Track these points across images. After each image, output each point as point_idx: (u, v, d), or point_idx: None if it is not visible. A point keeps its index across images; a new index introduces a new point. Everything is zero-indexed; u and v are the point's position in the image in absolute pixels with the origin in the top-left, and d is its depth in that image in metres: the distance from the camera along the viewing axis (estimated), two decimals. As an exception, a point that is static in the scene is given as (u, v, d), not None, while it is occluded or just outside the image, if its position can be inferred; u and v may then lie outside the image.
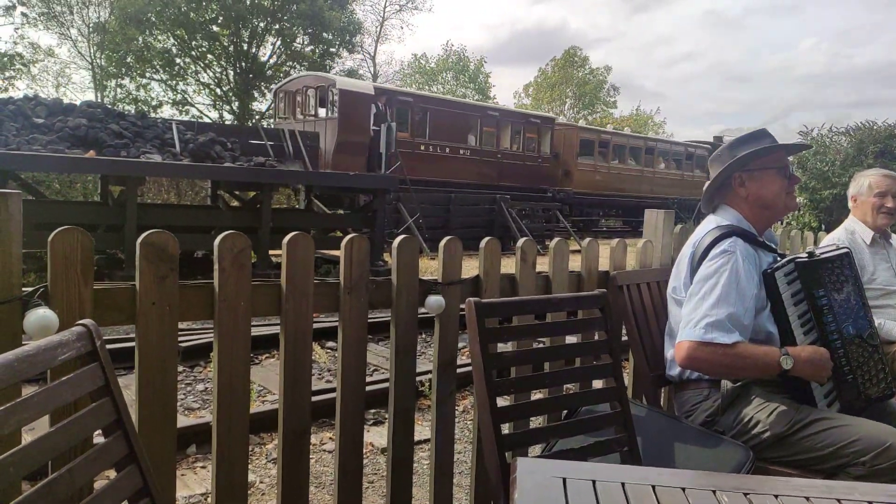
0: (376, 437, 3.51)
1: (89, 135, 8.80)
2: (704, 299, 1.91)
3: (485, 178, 16.83)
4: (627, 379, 2.68)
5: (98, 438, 1.18)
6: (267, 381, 4.50)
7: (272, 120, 18.42)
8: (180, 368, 4.81)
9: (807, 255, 2.04)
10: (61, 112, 9.31)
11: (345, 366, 1.86)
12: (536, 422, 2.38)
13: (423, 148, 16.04)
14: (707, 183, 2.23)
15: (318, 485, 3.04)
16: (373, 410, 3.88)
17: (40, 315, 1.28)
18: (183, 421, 3.58)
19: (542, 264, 2.36)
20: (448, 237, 2.05)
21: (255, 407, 3.87)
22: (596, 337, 2.23)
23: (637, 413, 2.03)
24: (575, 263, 2.46)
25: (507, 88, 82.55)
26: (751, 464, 1.82)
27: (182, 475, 3.04)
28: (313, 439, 3.54)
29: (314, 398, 3.68)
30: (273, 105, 19.02)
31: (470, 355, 1.64)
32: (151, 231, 1.48)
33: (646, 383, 2.34)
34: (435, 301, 1.96)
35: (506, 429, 1.79)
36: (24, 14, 26.24)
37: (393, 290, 1.92)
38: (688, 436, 1.99)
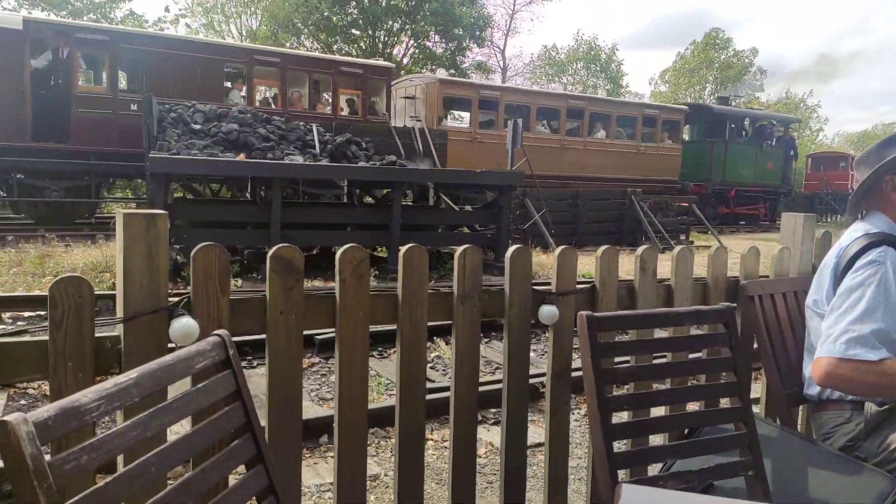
0: (497, 437, 3.55)
1: (240, 139, 9.53)
2: (847, 313, 1.77)
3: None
4: (760, 396, 2.53)
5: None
6: (395, 376, 4.67)
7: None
8: (316, 360, 5.12)
9: None
10: (216, 118, 10.15)
11: (458, 371, 1.91)
12: (656, 440, 2.30)
13: (135, 109, 10.66)
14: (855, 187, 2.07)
15: (440, 481, 3.13)
16: (493, 410, 3.91)
17: (184, 323, 1.42)
18: (317, 412, 3.81)
19: (667, 262, 2.26)
20: (563, 247, 2.04)
21: (382, 401, 4.03)
22: (721, 354, 2.12)
23: (768, 433, 1.91)
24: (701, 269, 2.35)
25: (643, 75, 79.09)
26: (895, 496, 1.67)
27: (315, 464, 3.24)
28: (436, 436, 3.64)
29: (437, 395, 3.82)
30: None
31: (582, 369, 1.62)
32: (280, 245, 1.60)
33: (779, 402, 2.20)
34: (549, 311, 1.95)
35: (622, 445, 1.76)
36: (187, 25, 29.08)
37: (506, 299, 1.94)
38: (824, 461, 1.85)
